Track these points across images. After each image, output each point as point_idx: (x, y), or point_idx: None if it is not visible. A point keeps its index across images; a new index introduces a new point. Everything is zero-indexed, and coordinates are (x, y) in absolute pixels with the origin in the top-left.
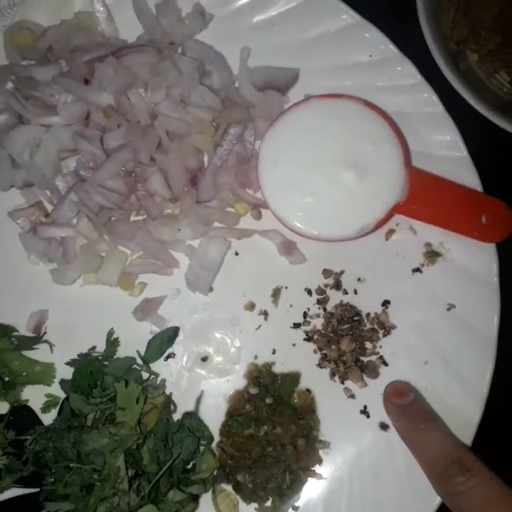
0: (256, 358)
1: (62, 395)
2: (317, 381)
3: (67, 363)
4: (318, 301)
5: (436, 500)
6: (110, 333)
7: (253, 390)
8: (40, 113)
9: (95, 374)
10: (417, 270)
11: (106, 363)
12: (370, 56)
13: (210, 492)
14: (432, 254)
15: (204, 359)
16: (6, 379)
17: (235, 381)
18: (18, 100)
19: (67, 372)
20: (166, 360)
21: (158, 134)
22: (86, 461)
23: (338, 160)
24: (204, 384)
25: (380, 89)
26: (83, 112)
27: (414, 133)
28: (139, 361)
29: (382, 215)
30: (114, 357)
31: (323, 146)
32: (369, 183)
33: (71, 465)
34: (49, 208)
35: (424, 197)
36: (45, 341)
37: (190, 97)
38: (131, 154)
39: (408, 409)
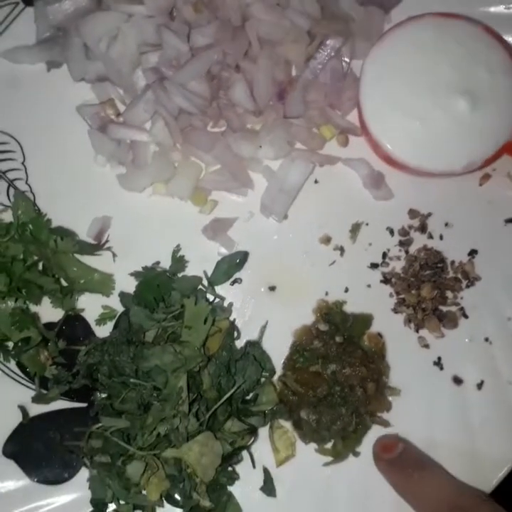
0: (327, 294)
1: (120, 309)
2: (390, 326)
3: (132, 274)
4: (401, 243)
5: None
6: (176, 249)
7: (323, 327)
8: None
9: (162, 288)
10: (511, 221)
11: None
12: None
13: (267, 428)
14: None
15: (272, 288)
16: (64, 284)
17: (303, 315)
18: None
19: (126, 286)
20: (232, 285)
21: (249, 37)
22: (144, 379)
23: (450, 85)
24: (270, 314)
25: (498, 18)
26: (170, 3)
27: None
28: (205, 283)
29: (491, 152)
30: (181, 274)
31: (435, 68)
32: (481, 115)
33: (131, 380)
34: (121, 108)
35: None
36: (108, 249)
37: (289, 0)
38: (220, 55)
39: (398, 460)
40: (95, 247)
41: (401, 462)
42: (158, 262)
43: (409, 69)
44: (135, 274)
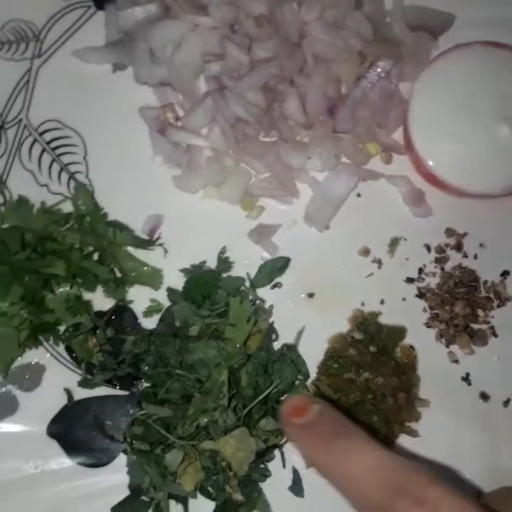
0: (363, 304)
1: (166, 303)
2: (422, 340)
3: (182, 270)
4: (436, 260)
5: None
6: (222, 250)
7: (358, 335)
8: (189, 10)
9: (209, 286)
10: None
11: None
12: None
13: None
14: None
15: (310, 295)
16: (118, 275)
17: (338, 324)
18: None
19: (173, 282)
20: (272, 289)
21: (305, 54)
22: (188, 371)
23: (496, 111)
24: (306, 320)
25: None
26: (234, 16)
27: None
28: (247, 284)
29: None
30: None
31: (483, 94)
32: None
33: (176, 371)
34: (179, 113)
35: None
36: (160, 245)
37: (345, 21)
38: (278, 69)
39: (314, 426)
40: (148, 242)
41: (317, 430)
42: (204, 262)
43: (456, 93)
44: (185, 271)
